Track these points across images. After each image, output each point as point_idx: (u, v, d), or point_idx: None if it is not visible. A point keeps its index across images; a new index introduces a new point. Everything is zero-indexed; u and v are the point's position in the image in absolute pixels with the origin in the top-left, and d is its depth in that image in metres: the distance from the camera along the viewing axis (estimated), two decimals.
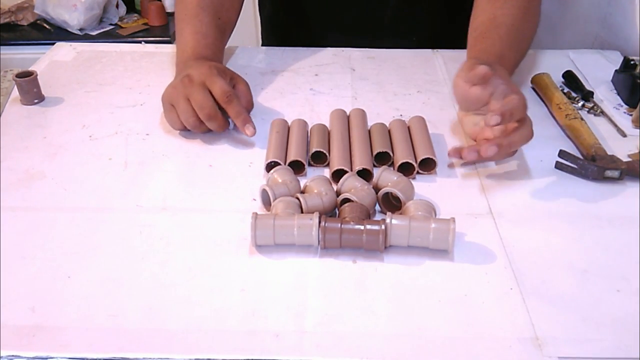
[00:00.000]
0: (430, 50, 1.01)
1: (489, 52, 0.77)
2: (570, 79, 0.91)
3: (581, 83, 0.89)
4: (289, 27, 1.11)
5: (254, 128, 0.73)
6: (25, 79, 0.83)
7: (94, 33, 2.03)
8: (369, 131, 0.76)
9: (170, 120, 0.77)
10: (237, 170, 0.71)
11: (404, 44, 1.03)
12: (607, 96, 0.88)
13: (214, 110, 0.73)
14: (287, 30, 1.12)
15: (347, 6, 1.02)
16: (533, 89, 0.89)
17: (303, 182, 0.65)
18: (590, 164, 0.69)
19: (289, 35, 1.09)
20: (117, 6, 2.11)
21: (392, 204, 0.64)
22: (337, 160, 0.69)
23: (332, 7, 1.03)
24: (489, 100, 0.69)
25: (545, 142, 0.75)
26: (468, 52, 0.83)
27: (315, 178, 0.65)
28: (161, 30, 2.08)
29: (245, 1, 0.96)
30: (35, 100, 0.85)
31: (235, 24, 0.94)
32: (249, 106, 0.79)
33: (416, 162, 0.69)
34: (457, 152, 0.68)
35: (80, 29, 2.01)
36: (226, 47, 1.01)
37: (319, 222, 0.57)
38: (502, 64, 0.75)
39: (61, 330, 0.50)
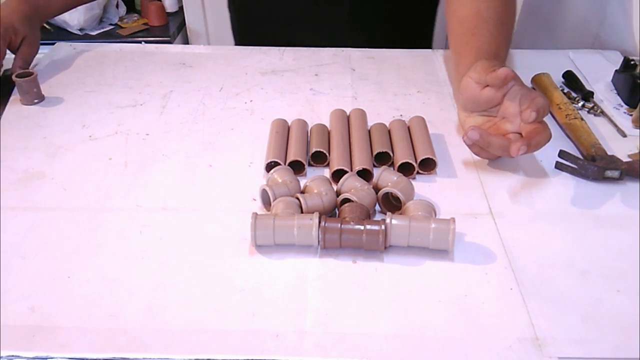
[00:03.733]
0: (430, 50, 1.01)
1: (485, 51, 0.77)
2: (570, 79, 0.91)
3: (581, 83, 0.89)
4: (255, 35, 1.13)
5: None
6: (25, 79, 0.83)
7: (94, 33, 2.03)
8: (369, 131, 0.76)
9: None
10: (237, 170, 0.71)
11: (363, 40, 1.03)
12: (607, 96, 0.88)
13: None
14: (255, 38, 1.13)
15: (303, 4, 1.03)
16: (533, 89, 0.89)
17: (303, 182, 0.65)
18: (590, 164, 0.69)
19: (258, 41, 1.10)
20: (117, 6, 2.11)
21: (392, 204, 0.64)
22: (337, 160, 0.69)
23: (291, 7, 1.05)
24: (501, 101, 0.70)
25: None
26: (458, 47, 0.82)
27: (315, 178, 0.65)
28: (161, 30, 2.08)
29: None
30: (35, 100, 0.85)
31: None
32: (22, 64, 0.89)
33: (416, 162, 0.69)
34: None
35: (80, 29, 2.01)
36: (226, 47, 1.01)
37: (319, 222, 0.57)
38: (499, 62, 0.75)
39: (61, 330, 0.50)
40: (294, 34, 1.06)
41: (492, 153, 0.70)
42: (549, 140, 0.67)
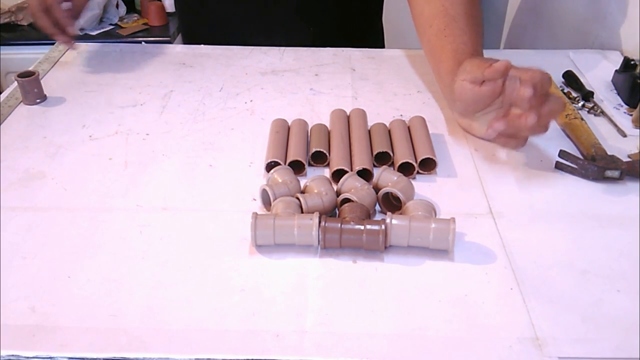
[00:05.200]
0: None
1: (462, 52, 0.76)
2: (570, 79, 0.91)
3: (581, 83, 0.89)
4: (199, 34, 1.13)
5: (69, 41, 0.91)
6: (27, 78, 0.83)
7: (94, 33, 2.03)
8: (369, 131, 0.76)
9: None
10: (237, 170, 0.71)
11: (302, 37, 1.03)
12: (607, 96, 0.88)
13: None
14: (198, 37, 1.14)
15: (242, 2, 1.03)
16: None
17: (303, 182, 0.65)
18: (590, 164, 0.69)
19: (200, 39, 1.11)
20: (117, 6, 2.11)
21: (392, 204, 0.64)
22: (337, 160, 0.69)
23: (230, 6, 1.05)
24: (502, 90, 0.68)
25: (545, 142, 0.75)
26: (432, 50, 0.81)
27: (315, 178, 0.65)
28: (161, 30, 2.08)
29: None
30: (38, 100, 0.85)
31: None
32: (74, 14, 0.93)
33: (416, 162, 0.69)
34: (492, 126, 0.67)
35: (80, 29, 2.01)
36: (226, 47, 1.01)
37: (319, 222, 0.57)
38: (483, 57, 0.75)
39: (61, 330, 0.50)
40: (239, 32, 1.05)
41: (522, 137, 0.69)
42: (562, 109, 0.65)
